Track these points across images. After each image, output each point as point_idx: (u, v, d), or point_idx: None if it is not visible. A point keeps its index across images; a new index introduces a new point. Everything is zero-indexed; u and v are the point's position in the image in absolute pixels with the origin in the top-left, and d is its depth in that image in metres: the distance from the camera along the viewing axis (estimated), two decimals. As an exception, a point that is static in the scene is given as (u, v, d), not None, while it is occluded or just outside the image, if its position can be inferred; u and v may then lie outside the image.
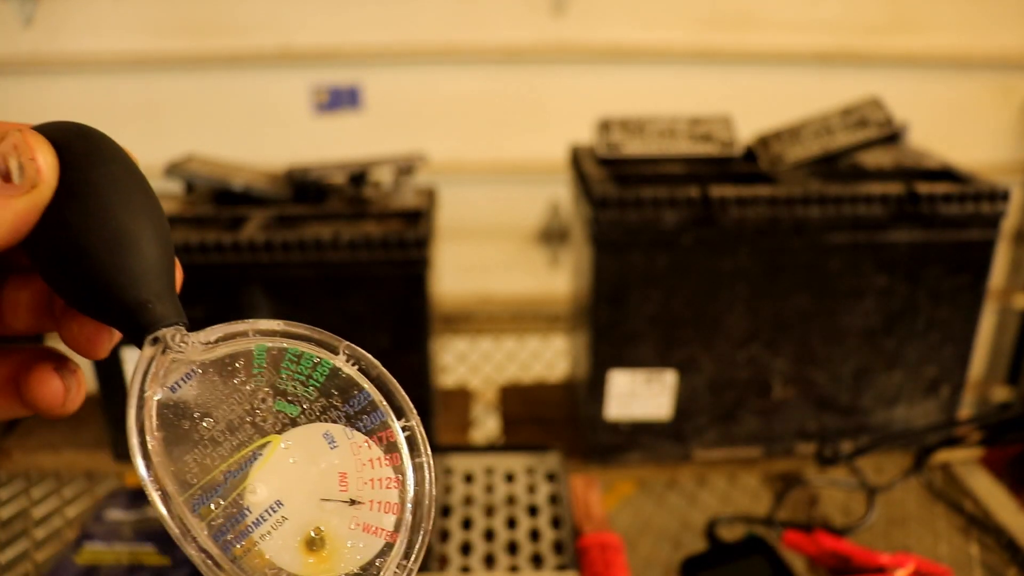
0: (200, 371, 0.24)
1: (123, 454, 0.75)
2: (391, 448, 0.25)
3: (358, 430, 0.24)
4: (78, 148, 0.23)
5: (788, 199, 0.66)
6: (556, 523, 0.61)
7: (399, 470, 0.25)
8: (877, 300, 0.69)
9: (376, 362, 0.26)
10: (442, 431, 0.80)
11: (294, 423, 0.24)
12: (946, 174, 0.73)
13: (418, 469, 0.25)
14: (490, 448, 0.69)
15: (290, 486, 0.23)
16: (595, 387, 0.71)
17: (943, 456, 0.78)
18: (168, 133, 1.66)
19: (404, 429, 0.25)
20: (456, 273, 1.79)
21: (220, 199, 0.77)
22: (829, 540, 0.63)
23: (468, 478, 0.65)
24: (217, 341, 0.24)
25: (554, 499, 0.63)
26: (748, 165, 0.76)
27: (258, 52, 1.57)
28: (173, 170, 0.77)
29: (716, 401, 0.73)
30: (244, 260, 0.67)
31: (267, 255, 0.67)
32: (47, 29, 1.54)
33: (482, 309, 1.17)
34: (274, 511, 0.23)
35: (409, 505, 0.25)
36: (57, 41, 1.55)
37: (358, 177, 0.77)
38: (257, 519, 0.22)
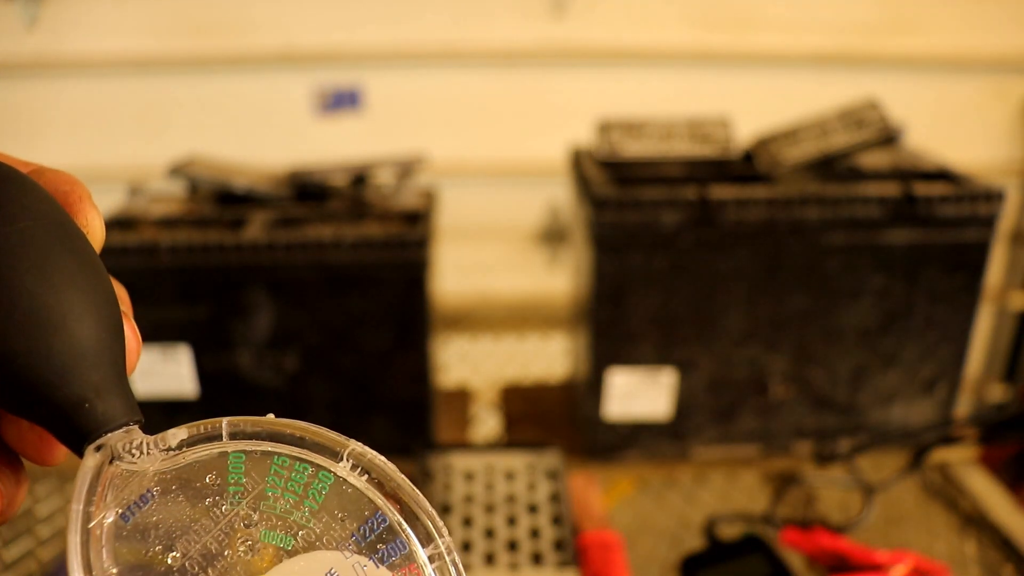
0: (160, 489, 0.18)
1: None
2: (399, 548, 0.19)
3: (373, 563, 0.19)
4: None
5: (786, 200, 0.66)
6: (556, 521, 0.61)
7: None
8: (874, 300, 0.70)
9: (393, 469, 0.20)
10: (442, 430, 0.80)
11: (288, 555, 0.18)
12: (943, 175, 0.74)
13: None
14: (490, 447, 0.69)
15: None
16: (595, 386, 0.72)
17: (940, 455, 0.79)
18: (171, 134, 1.67)
19: (432, 559, 0.19)
20: (456, 273, 1.79)
21: (222, 200, 0.78)
22: (827, 538, 0.64)
23: (468, 476, 0.66)
24: (181, 446, 0.19)
25: (554, 497, 0.63)
26: (746, 166, 0.76)
27: (260, 53, 1.57)
28: (176, 171, 0.78)
29: (715, 400, 0.73)
30: (246, 261, 0.67)
31: (269, 256, 0.67)
32: (51, 31, 1.55)
33: (482, 309, 1.17)
34: None
35: None
36: (61, 43, 1.56)
37: (359, 178, 0.77)
38: None
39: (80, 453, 0.18)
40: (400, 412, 0.73)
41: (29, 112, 1.64)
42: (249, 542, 0.18)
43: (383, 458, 0.20)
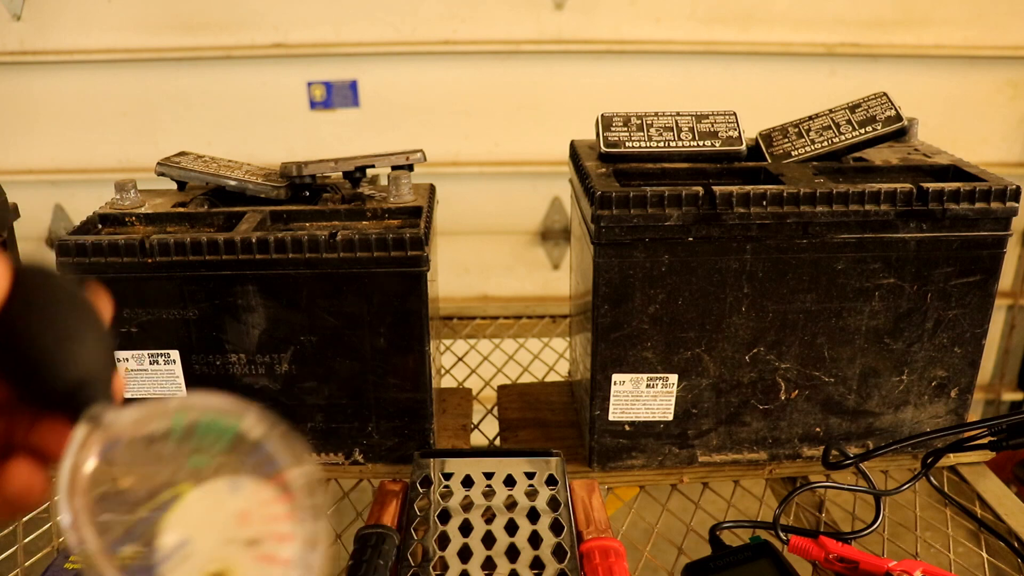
0: (126, 441, 0.28)
1: (115, 457, 0.74)
2: (287, 488, 0.28)
3: (258, 477, 0.28)
4: (32, 270, 0.29)
5: (794, 196, 0.64)
6: (557, 528, 0.59)
7: (295, 507, 0.28)
8: (885, 300, 0.68)
9: (276, 423, 0.30)
10: (441, 433, 0.79)
11: (204, 476, 0.28)
12: (955, 171, 0.72)
13: (311, 506, 0.28)
14: (489, 451, 0.67)
15: (197, 528, 0.27)
16: (596, 389, 0.70)
17: (952, 460, 0.77)
18: (161, 130, 1.65)
19: (300, 476, 0.29)
20: (456, 273, 1.78)
21: (213, 197, 0.76)
22: (835, 545, 0.62)
23: (467, 482, 0.64)
24: (142, 417, 0.29)
25: (554, 503, 0.61)
26: (753, 161, 0.74)
27: (253, 48, 1.55)
28: (164, 167, 0.76)
29: (720, 404, 0.71)
30: (238, 260, 0.65)
31: (261, 254, 0.65)
32: (36, 24, 1.53)
33: (482, 309, 1.15)
34: (181, 550, 0.26)
35: (304, 535, 0.28)
36: (47, 36, 1.53)
37: (355, 174, 0.75)
38: (164, 557, 0.27)
39: (77, 420, 0.28)
40: (397, 415, 0.72)
41: (15, 106, 1.62)
42: (180, 468, 0.28)
43: (270, 418, 0.30)
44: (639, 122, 0.75)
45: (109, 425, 0.28)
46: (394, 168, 0.75)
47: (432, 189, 0.79)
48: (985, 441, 0.66)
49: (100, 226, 0.72)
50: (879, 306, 0.68)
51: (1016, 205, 0.65)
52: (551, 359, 1.01)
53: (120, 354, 0.69)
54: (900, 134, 0.73)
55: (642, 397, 0.70)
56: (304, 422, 0.72)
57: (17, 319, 0.28)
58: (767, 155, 0.75)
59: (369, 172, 0.78)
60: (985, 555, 0.66)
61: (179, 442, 0.28)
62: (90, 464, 0.27)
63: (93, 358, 0.29)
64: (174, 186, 0.78)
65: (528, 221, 1.77)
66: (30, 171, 1.69)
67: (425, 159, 0.76)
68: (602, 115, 0.76)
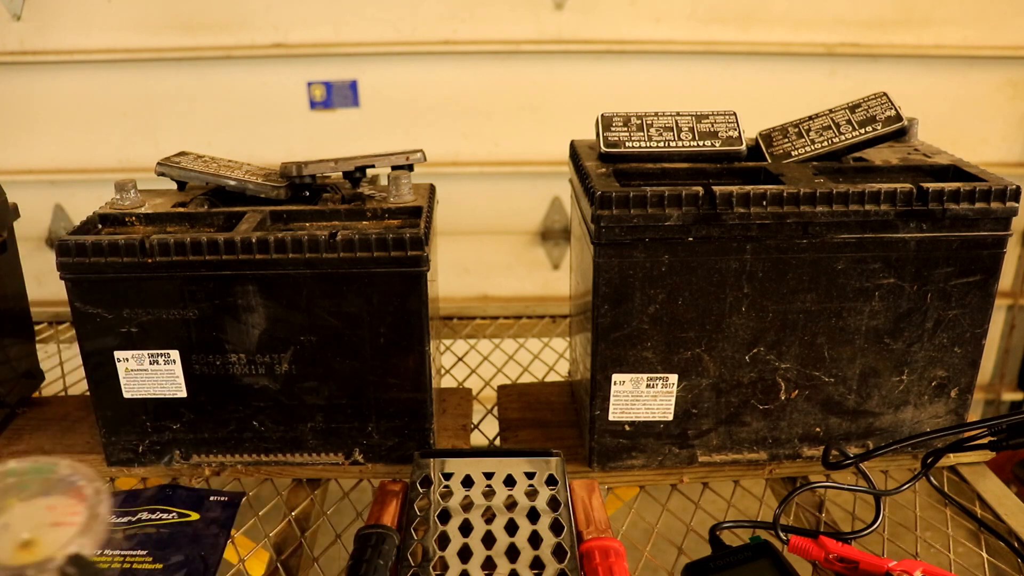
0: None
1: (115, 459, 0.74)
2: (82, 493, 0.42)
3: (64, 490, 0.43)
4: None
5: (794, 196, 0.64)
6: (557, 528, 0.59)
7: (86, 500, 0.42)
8: (885, 300, 0.68)
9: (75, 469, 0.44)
10: (441, 434, 0.79)
11: (26, 496, 0.42)
12: (955, 171, 0.72)
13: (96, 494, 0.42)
14: (489, 451, 0.67)
15: (16, 518, 0.41)
16: (596, 389, 0.70)
17: (952, 460, 0.77)
18: (163, 129, 1.65)
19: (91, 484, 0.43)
20: (456, 273, 1.78)
21: (213, 196, 0.76)
22: (835, 545, 0.62)
23: (467, 482, 0.64)
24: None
25: (554, 503, 0.61)
26: (753, 161, 0.74)
27: (253, 48, 1.55)
28: (164, 167, 0.76)
29: (720, 404, 0.71)
30: (238, 260, 0.65)
31: (261, 254, 0.65)
32: (36, 24, 1.53)
33: (482, 309, 1.15)
34: (2, 529, 0.41)
35: (89, 511, 0.41)
36: (47, 36, 1.53)
37: (355, 174, 0.75)
38: None
39: None
40: (397, 415, 0.72)
41: (15, 106, 1.62)
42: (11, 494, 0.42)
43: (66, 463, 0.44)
44: (639, 122, 0.75)
45: None
46: (394, 168, 0.75)
47: (432, 189, 0.79)
48: (985, 441, 0.66)
49: (100, 226, 0.72)
50: (879, 306, 0.68)
51: (1016, 205, 0.65)
52: (551, 359, 1.01)
53: (120, 354, 0.69)
54: (900, 134, 0.73)
55: (642, 397, 0.70)
56: (304, 422, 0.72)
57: None
58: (767, 155, 0.75)
59: (369, 172, 0.78)
60: (985, 555, 0.66)
61: (16, 478, 0.43)
62: None
63: None
64: (174, 186, 0.78)
65: (528, 221, 1.77)
66: (30, 171, 1.69)
67: (425, 159, 0.76)
68: (602, 115, 0.76)
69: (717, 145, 0.74)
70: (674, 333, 0.68)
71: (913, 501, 0.73)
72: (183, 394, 0.70)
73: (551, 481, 0.64)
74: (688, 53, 1.52)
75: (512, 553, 0.57)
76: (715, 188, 0.64)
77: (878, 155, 0.77)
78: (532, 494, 0.63)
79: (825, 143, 0.74)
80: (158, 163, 0.76)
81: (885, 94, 0.75)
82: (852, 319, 0.68)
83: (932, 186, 0.65)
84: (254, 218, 0.69)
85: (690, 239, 0.65)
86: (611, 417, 0.71)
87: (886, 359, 0.70)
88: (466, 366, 1.01)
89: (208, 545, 0.65)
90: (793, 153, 0.74)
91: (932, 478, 0.71)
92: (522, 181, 1.70)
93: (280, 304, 0.67)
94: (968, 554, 0.67)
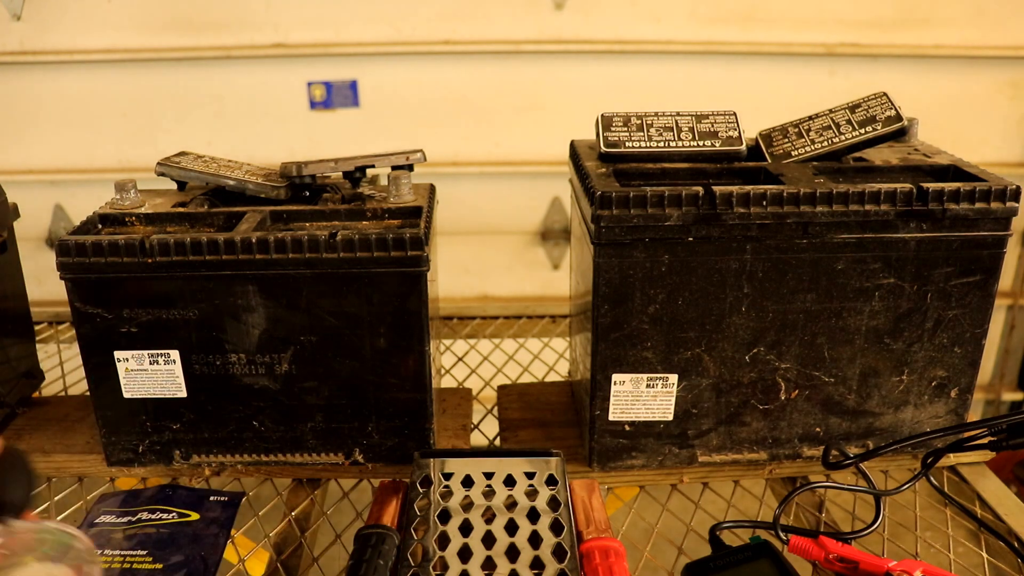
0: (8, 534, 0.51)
1: (115, 459, 0.74)
2: (79, 558, 0.51)
3: (70, 561, 0.51)
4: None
5: (794, 196, 0.64)
6: (557, 528, 0.59)
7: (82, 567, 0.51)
8: (885, 300, 0.68)
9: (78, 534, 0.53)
10: (441, 434, 0.79)
11: (42, 559, 0.50)
12: (955, 171, 0.72)
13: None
14: (489, 451, 0.67)
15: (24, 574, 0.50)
16: (596, 389, 0.70)
17: (952, 460, 0.77)
18: (163, 129, 1.65)
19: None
20: (456, 273, 1.78)
21: (213, 196, 0.76)
22: (835, 545, 0.62)
23: (467, 482, 0.64)
24: (27, 527, 0.51)
25: (555, 503, 0.61)
26: (753, 161, 0.74)
27: (253, 48, 1.55)
28: (164, 167, 0.76)
29: (720, 404, 0.71)
30: (238, 260, 0.65)
31: (261, 254, 0.65)
32: (36, 24, 1.52)
33: (482, 309, 1.15)
34: None
35: None
36: (47, 36, 1.53)
37: (355, 174, 0.75)
38: None
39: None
40: (397, 415, 0.72)
41: (15, 106, 1.62)
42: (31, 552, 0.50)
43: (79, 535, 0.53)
44: (639, 122, 0.75)
45: (10, 527, 0.50)
46: (394, 168, 0.75)
47: (432, 189, 0.79)
48: (985, 441, 0.66)
49: (100, 226, 0.72)
50: (879, 306, 0.68)
51: (1016, 205, 0.65)
52: (551, 359, 1.01)
53: (120, 354, 0.69)
54: (900, 134, 0.73)
55: (642, 397, 0.70)
56: (304, 422, 0.72)
57: None
58: (767, 155, 0.75)
59: (369, 172, 0.78)
60: (985, 555, 0.66)
61: (38, 537, 0.51)
62: None
63: (21, 497, 0.53)
64: (174, 186, 0.78)
65: (528, 221, 1.77)
66: (30, 171, 1.69)
67: (425, 159, 0.76)
68: (602, 115, 0.76)
69: (717, 145, 0.74)
70: (674, 333, 0.68)
71: (913, 501, 0.73)
72: (183, 394, 0.70)
73: (551, 481, 0.64)
74: (688, 53, 1.52)
75: (512, 553, 0.57)
76: (715, 188, 0.64)
77: (878, 155, 0.77)
78: (532, 494, 0.63)
79: (825, 143, 0.74)
80: (158, 163, 0.76)
81: (885, 94, 0.75)
82: (852, 319, 0.68)
83: (932, 186, 0.65)
84: (254, 218, 0.69)
85: (690, 239, 0.65)
86: (611, 417, 0.71)
87: (886, 359, 0.70)
88: (466, 366, 1.01)
89: (208, 545, 0.65)
90: (793, 153, 0.74)
91: (932, 478, 0.71)
92: (522, 181, 1.70)
93: (280, 304, 0.67)
94: (968, 554, 0.67)
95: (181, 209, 0.72)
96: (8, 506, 0.53)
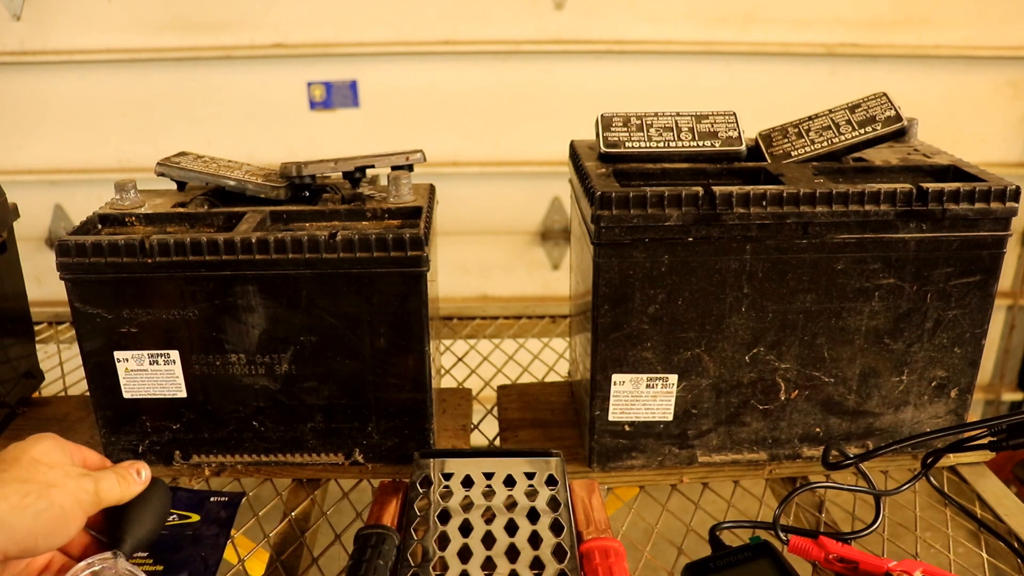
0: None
1: (115, 459, 0.74)
2: None
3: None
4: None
5: (794, 196, 0.64)
6: (556, 528, 0.59)
7: None
8: (884, 300, 0.68)
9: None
10: (441, 434, 0.79)
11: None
12: (955, 171, 0.72)
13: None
14: (489, 451, 0.67)
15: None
16: (596, 390, 0.70)
17: (951, 460, 0.77)
18: (163, 129, 1.65)
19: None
20: (456, 273, 1.78)
21: (213, 197, 0.76)
22: (835, 545, 0.62)
23: (467, 482, 0.64)
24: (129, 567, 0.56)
25: (554, 504, 0.61)
26: (753, 162, 0.74)
27: (253, 48, 1.55)
28: (164, 167, 0.76)
29: (720, 404, 0.71)
30: (238, 260, 0.65)
31: (261, 254, 0.65)
32: (36, 24, 1.52)
33: (482, 309, 1.15)
34: None
35: None
36: (47, 36, 1.53)
37: (355, 174, 0.75)
38: None
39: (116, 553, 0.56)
40: (397, 415, 0.72)
41: (15, 106, 1.62)
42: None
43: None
44: (639, 122, 0.75)
45: (116, 562, 0.54)
46: (394, 168, 0.75)
47: (432, 189, 0.79)
48: (985, 441, 0.66)
49: (100, 226, 0.72)
50: (879, 306, 0.68)
51: (1016, 205, 0.65)
52: (551, 359, 1.01)
53: (120, 354, 0.69)
54: (900, 134, 0.73)
55: (642, 397, 0.70)
56: (304, 422, 0.72)
57: (131, 507, 0.57)
58: (767, 155, 0.75)
59: (369, 172, 0.78)
60: (985, 555, 0.66)
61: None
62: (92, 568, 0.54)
63: (149, 532, 0.58)
64: (174, 186, 0.78)
65: (528, 221, 1.77)
66: (30, 171, 1.69)
67: (425, 159, 0.76)
68: (602, 115, 0.76)
69: (717, 145, 0.74)
70: (674, 333, 0.68)
71: (913, 501, 0.73)
72: (183, 394, 0.70)
73: (551, 481, 0.64)
74: (688, 53, 1.52)
75: (512, 553, 0.57)
76: (715, 188, 0.64)
77: (878, 155, 0.77)
78: (532, 494, 0.63)
79: (825, 143, 0.74)
80: (158, 163, 0.76)
81: (885, 94, 0.75)
82: (852, 319, 0.68)
83: (932, 186, 0.65)
84: (254, 218, 0.69)
85: (690, 239, 0.65)
86: (611, 417, 0.71)
87: (886, 359, 0.70)
88: (466, 366, 1.01)
89: (208, 545, 0.65)
90: (793, 153, 0.74)
91: (932, 478, 0.71)
92: (522, 181, 1.70)
93: (280, 304, 0.67)
94: (968, 554, 0.67)
95: (181, 209, 0.72)
96: (126, 541, 0.55)
